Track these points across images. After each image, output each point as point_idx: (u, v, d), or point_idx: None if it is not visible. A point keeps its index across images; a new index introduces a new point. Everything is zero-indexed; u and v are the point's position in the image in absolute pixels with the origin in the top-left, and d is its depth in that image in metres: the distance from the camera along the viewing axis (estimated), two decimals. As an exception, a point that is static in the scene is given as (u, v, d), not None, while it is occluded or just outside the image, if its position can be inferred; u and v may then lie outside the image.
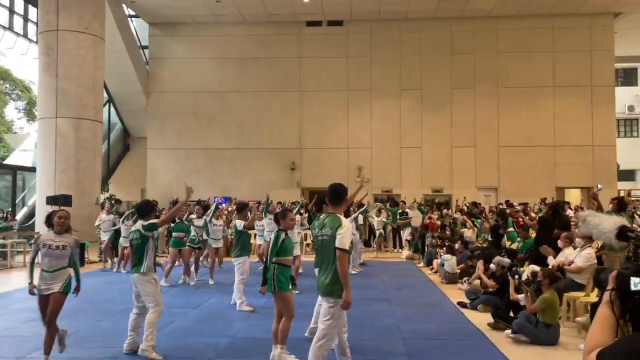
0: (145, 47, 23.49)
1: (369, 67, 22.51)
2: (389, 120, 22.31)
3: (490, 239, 12.11)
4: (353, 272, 12.02)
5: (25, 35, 23.35)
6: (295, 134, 22.54)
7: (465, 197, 19.87)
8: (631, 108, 29.87)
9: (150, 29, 23.17)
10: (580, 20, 21.67)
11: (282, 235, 5.73)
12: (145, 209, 6.17)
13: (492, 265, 9.11)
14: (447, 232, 14.59)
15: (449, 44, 22.36)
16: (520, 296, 7.21)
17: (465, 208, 16.96)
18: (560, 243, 8.87)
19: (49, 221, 5.67)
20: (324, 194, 5.56)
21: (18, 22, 22.96)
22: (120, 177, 24.41)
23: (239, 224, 8.61)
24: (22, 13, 23.03)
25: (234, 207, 12.40)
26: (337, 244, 4.41)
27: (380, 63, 22.49)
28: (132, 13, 22.52)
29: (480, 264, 9.43)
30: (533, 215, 14.17)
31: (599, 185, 10.15)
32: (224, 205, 17.45)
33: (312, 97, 22.54)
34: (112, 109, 24.05)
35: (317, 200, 7.94)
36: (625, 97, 29.04)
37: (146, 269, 5.93)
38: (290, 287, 5.77)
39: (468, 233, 13.35)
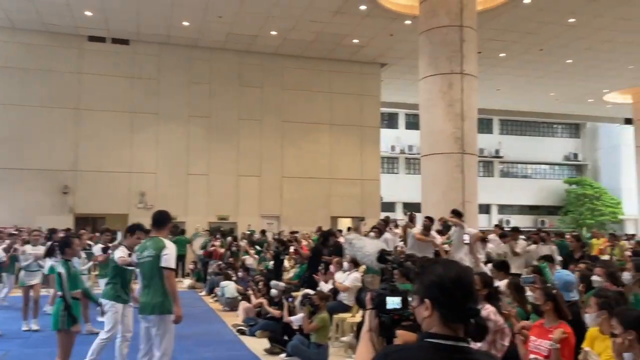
0: None
1: (157, 90, 21.87)
2: (176, 145, 21.86)
3: (271, 265, 12.56)
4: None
5: None
6: (69, 155, 20.64)
7: (249, 225, 20.36)
8: (393, 148, 34.11)
9: None
10: (352, 66, 24.14)
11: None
12: None
13: (272, 291, 9.46)
14: (231, 260, 14.73)
15: (237, 76, 22.96)
16: (294, 318, 7.60)
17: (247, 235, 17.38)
18: (332, 267, 9.62)
19: None
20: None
21: None
22: None
23: None
24: None
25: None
26: (162, 264, 4.73)
27: (169, 87, 22.04)
28: None
29: (253, 286, 9.70)
30: (304, 242, 15.15)
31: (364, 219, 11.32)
32: None
33: (91, 116, 20.97)
34: None
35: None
36: (389, 138, 33.04)
37: None
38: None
39: (250, 260, 13.67)
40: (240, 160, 22.64)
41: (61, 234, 12.10)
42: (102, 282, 7.78)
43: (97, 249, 9.38)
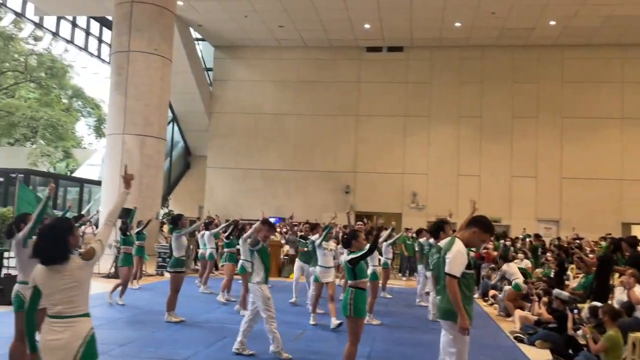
0: (210, 69, 24.31)
1: (428, 93, 22.40)
2: (446, 147, 22.03)
3: (553, 272, 11.63)
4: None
5: (98, 56, 24.71)
6: (350, 158, 22.60)
7: (524, 229, 19.25)
8: None
9: (215, 51, 24.00)
10: (651, 50, 20.83)
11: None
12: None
13: (555, 300, 8.77)
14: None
15: (510, 72, 21.98)
16: (579, 332, 6.87)
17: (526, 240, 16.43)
18: (624, 279, 8.42)
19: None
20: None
21: (93, 44, 24.36)
22: (180, 193, 25.14)
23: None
24: (97, 35, 24.44)
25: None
26: (445, 269, 4.28)
27: (440, 89, 22.35)
28: (199, 36, 23.43)
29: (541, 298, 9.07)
30: (588, 250, 13.58)
31: None
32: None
33: (368, 121, 22.61)
34: (176, 128, 24.93)
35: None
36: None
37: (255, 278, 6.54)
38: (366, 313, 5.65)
39: (521, 265, 12.88)
40: (514, 160, 21.60)
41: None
42: None
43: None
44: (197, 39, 23.64)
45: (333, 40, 22.23)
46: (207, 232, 12.70)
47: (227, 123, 23.52)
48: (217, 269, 14.60)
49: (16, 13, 21.54)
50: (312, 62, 23.20)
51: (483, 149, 21.82)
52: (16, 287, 5.19)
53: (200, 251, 12.97)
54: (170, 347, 6.97)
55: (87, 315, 3.29)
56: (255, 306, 6.59)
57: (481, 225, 4.44)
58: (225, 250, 11.31)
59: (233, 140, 23.34)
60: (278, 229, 17.22)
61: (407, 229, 18.04)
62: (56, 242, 3.23)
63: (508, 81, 21.97)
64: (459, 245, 4.34)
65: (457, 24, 20.03)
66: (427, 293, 11.32)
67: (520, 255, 13.58)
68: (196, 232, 13.31)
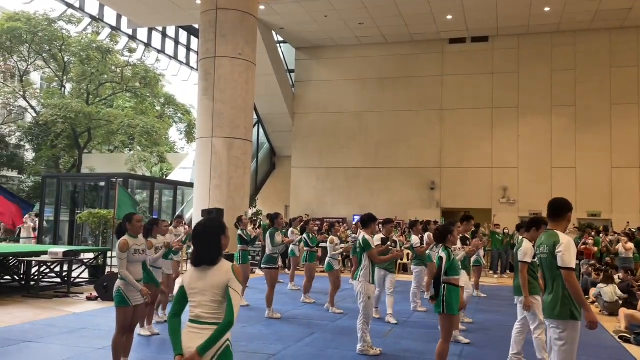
0: (292, 71, 24.71)
1: (515, 84, 21.46)
2: (537, 138, 20.98)
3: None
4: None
5: (187, 64, 25.85)
6: (435, 153, 22.10)
7: (628, 222, 17.97)
8: None
9: (297, 53, 24.35)
10: None
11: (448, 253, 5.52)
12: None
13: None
14: (608, 259, 13.27)
15: (607, 57, 20.57)
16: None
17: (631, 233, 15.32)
18: None
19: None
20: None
21: (182, 52, 25.52)
22: (266, 193, 25.75)
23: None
24: (185, 43, 25.57)
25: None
26: (559, 263, 4.06)
27: (529, 79, 21.33)
28: (281, 39, 23.87)
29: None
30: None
31: None
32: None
33: (453, 115, 22.00)
34: (261, 130, 25.56)
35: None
36: None
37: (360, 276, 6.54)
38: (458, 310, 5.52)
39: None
40: (614, 150, 20.19)
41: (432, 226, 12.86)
42: None
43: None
44: (279, 42, 24.10)
45: (414, 34, 21.85)
46: (290, 230, 12.92)
47: (309, 123, 23.80)
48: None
49: (112, 27, 22.98)
50: (393, 58, 22.93)
51: (578, 139, 20.56)
52: (117, 282, 5.47)
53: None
54: (261, 342, 7.14)
55: None
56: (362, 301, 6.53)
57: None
58: (306, 249, 11.13)
59: (316, 140, 23.57)
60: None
61: (496, 225, 17.41)
62: (209, 243, 3.09)
63: (604, 66, 20.57)
64: (564, 237, 4.14)
65: (547, 9, 19.02)
66: None
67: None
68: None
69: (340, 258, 10.35)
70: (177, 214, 17.80)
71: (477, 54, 21.91)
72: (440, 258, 5.47)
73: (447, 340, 5.38)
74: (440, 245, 5.66)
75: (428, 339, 7.36)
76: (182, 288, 3.13)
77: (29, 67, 31.43)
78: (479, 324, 8.82)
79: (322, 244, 12.57)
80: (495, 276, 16.96)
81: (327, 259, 10.11)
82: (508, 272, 17.13)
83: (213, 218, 3.40)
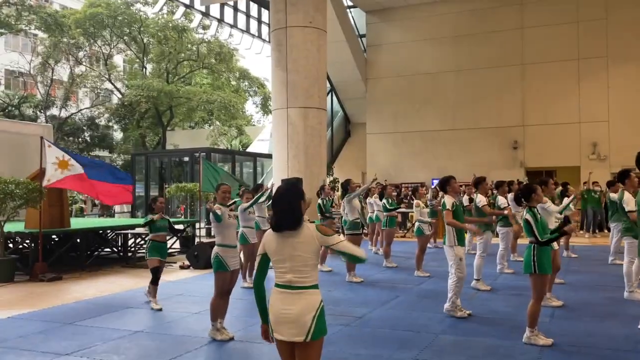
0: (363, 36, 24.33)
1: (604, 32, 19.97)
2: (630, 89, 19.52)
3: None
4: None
5: (259, 36, 26.09)
6: (517, 111, 21.15)
7: None
8: None
9: (367, 17, 23.90)
10: None
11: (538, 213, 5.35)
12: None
13: None
14: None
15: None
16: None
17: None
18: None
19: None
20: None
21: (253, 25, 25.78)
22: (342, 161, 25.83)
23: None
24: (256, 16, 25.79)
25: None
26: None
27: (619, 25, 19.76)
28: (350, 3, 23.48)
29: None
30: None
31: None
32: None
33: (535, 70, 20.87)
34: (334, 98, 25.51)
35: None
36: None
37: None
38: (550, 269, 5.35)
39: None
40: None
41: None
42: None
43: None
44: (349, 7, 23.73)
45: (490, -14, 20.78)
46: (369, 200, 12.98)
47: (383, 88, 23.43)
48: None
49: (185, 5, 23.55)
50: (468, 13, 21.97)
51: (678, 87, 18.95)
52: (215, 249, 5.79)
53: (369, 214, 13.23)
54: (347, 305, 7.28)
55: (316, 287, 3.11)
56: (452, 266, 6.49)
57: None
58: (385, 214, 11.10)
59: (390, 104, 23.21)
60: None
61: (594, 183, 16.35)
62: (289, 208, 3.06)
63: None
64: None
65: (638, -54, 17.44)
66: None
67: None
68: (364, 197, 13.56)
69: (430, 222, 10.15)
70: (258, 183, 18.28)
71: (560, 2, 20.51)
72: (526, 221, 5.25)
73: (538, 301, 5.25)
74: (525, 205, 5.44)
75: (517, 302, 7.20)
76: (265, 255, 3.13)
77: (112, 50, 32.96)
78: (571, 285, 8.50)
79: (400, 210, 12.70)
80: (587, 235, 16.21)
81: (417, 223, 10.02)
82: (598, 232, 16.33)
83: (292, 183, 3.42)
